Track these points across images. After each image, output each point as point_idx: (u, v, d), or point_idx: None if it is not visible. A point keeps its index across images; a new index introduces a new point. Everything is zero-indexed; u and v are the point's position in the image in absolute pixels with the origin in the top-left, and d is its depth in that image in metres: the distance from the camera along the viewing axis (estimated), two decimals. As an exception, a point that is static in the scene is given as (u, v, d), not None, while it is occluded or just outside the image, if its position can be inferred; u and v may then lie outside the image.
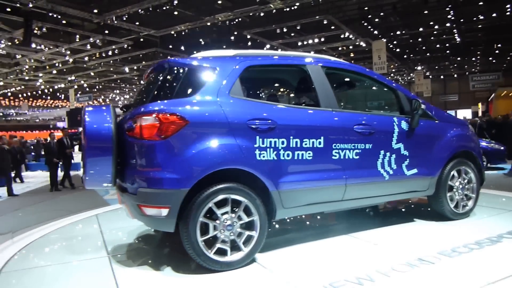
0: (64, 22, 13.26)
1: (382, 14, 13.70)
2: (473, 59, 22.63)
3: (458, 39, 16.62)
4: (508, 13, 13.48)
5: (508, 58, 21.78)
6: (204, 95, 2.52)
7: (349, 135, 2.92)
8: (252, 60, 2.80)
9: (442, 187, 3.38)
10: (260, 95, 3.35)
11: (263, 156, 2.55)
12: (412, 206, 4.44)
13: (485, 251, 2.67)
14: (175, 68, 2.67)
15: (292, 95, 3.95)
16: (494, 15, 13.96)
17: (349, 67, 3.32)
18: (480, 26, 15.53)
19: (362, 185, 3.01)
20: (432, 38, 17.57)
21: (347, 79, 3.72)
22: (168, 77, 2.68)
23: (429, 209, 3.82)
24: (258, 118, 2.57)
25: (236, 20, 13.76)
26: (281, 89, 4.19)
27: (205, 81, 2.58)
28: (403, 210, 4.31)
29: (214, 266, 2.44)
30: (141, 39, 15.57)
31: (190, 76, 2.62)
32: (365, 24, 14.13)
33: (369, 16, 13.54)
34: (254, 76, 3.21)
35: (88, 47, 16.23)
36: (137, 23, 13.85)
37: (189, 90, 2.55)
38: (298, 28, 14.68)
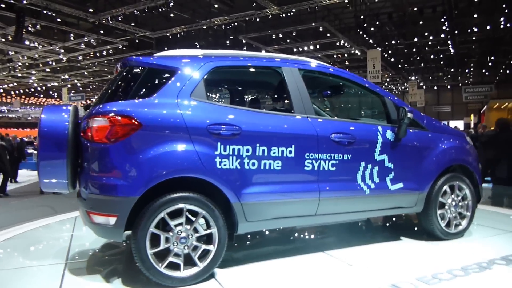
0: (58, 20, 13.11)
1: (378, 23, 13.72)
2: (467, 70, 22.75)
3: (452, 51, 16.65)
4: (502, 26, 13.53)
5: (501, 70, 21.90)
6: (163, 96, 2.33)
7: (325, 144, 2.70)
8: (220, 60, 2.61)
9: (432, 204, 3.11)
10: (228, 98, 3.15)
11: (225, 165, 2.36)
12: (403, 222, 4.17)
13: (470, 279, 2.39)
14: (135, 67, 2.49)
15: (264, 99, 3.75)
16: (488, 27, 14.01)
17: (331, 70, 3.08)
18: (474, 38, 15.60)
19: (339, 199, 2.79)
20: (426, 48, 17.64)
21: (328, 84, 3.51)
22: (128, 76, 2.50)
23: (419, 226, 3.54)
24: (221, 123, 2.38)
25: (232, 25, 13.69)
26: (252, 93, 3.98)
27: (165, 81, 2.39)
28: (391, 226, 4.04)
29: (165, 281, 2.24)
30: (137, 40, 15.44)
31: (149, 76, 2.44)
32: (361, 32, 14.10)
33: (365, 25, 13.53)
34: (222, 78, 3.01)
35: (83, 46, 16.08)
36: (133, 24, 13.74)
37: (148, 91, 2.36)
38: (294, 34, 14.65)
